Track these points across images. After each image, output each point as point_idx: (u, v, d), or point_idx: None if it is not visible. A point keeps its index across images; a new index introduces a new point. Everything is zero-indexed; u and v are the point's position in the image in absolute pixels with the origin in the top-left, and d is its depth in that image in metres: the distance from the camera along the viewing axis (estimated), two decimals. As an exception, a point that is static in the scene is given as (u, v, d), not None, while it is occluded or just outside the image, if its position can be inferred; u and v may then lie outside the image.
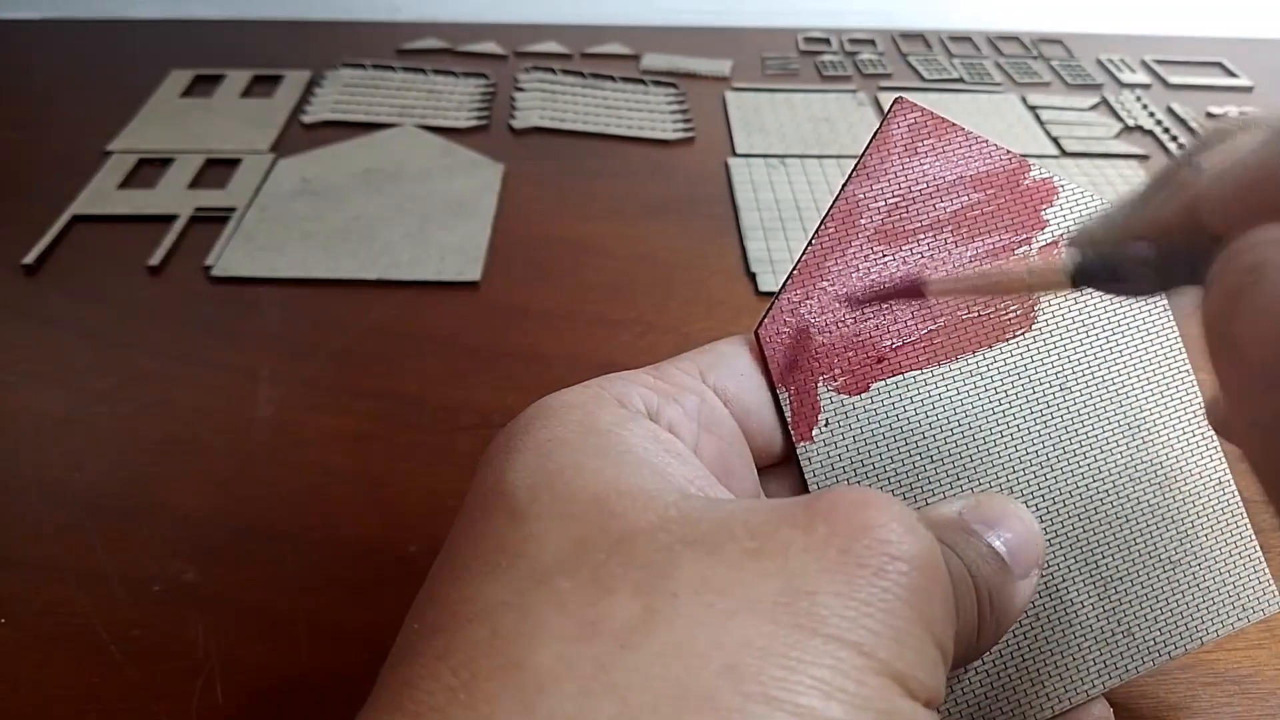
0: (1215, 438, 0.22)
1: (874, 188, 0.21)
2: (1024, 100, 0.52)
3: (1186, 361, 0.22)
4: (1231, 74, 0.56)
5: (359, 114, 0.49)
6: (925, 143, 0.22)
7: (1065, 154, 0.47)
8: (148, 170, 0.44)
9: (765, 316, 0.20)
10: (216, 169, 0.44)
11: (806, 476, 0.20)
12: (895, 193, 0.21)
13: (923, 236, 0.21)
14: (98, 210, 0.41)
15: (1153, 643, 0.21)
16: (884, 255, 0.21)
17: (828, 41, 0.58)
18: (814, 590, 0.13)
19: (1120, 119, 0.50)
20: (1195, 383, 0.22)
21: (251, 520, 0.28)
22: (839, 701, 0.13)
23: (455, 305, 0.37)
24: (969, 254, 0.21)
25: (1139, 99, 0.52)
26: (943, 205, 0.21)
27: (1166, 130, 0.49)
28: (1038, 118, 0.50)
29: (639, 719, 0.12)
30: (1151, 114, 0.51)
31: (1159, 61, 0.57)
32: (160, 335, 0.35)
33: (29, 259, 0.38)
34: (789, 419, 0.20)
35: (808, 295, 0.21)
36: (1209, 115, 0.51)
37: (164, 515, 0.28)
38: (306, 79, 0.52)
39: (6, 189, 0.43)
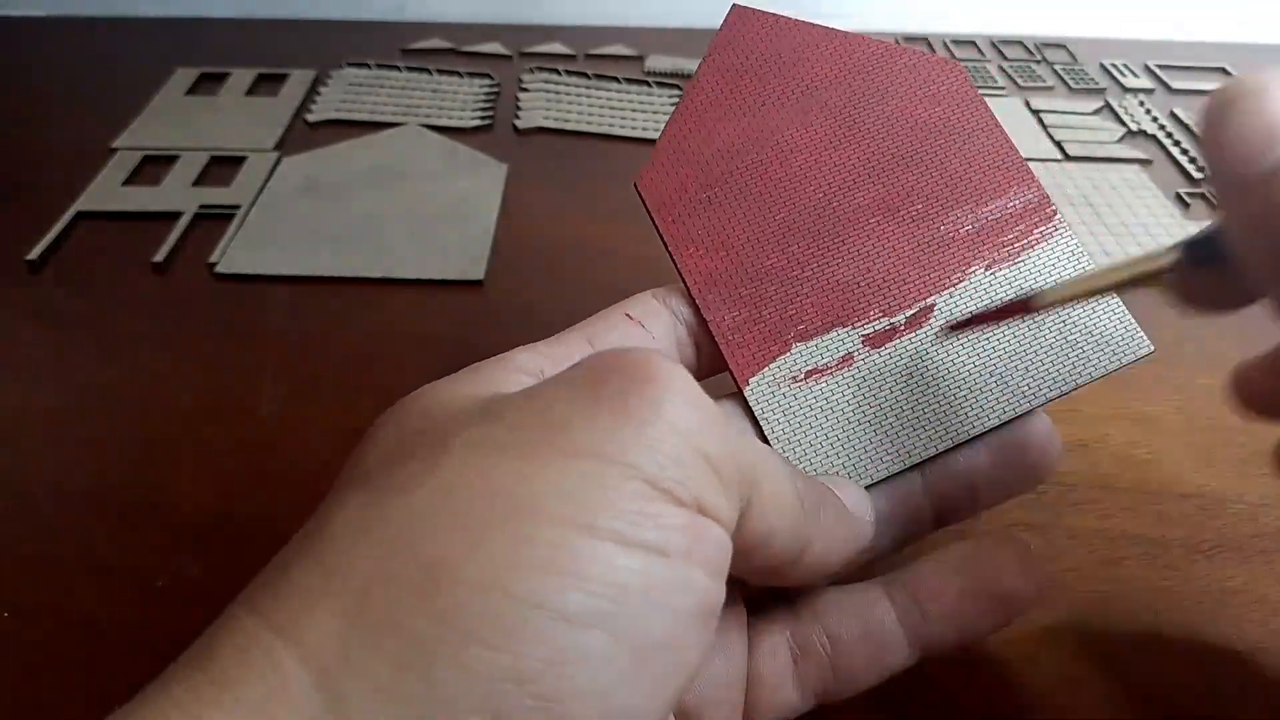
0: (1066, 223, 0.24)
1: (719, 65, 0.25)
2: (1027, 104, 0.52)
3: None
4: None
5: (363, 113, 0.49)
6: (758, 31, 0.25)
7: (1068, 158, 0.47)
8: (152, 167, 0.44)
9: (644, 169, 0.24)
10: (221, 167, 0.44)
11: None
12: (738, 68, 0.25)
13: (774, 109, 0.25)
14: (102, 207, 0.41)
15: (1025, 388, 0.22)
16: (743, 122, 0.24)
17: (831, 44, 0.58)
18: (566, 423, 0.15)
19: (1123, 123, 0.50)
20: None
21: (255, 517, 0.28)
22: (583, 505, 0.14)
23: (459, 304, 0.37)
24: (831, 104, 0.25)
25: (1142, 103, 0.52)
26: (789, 78, 0.25)
27: (1169, 135, 0.49)
28: (1041, 122, 0.50)
29: (396, 540, 0.14)
30: (1155, 118, 0.51)
31: (1162, 66, 0.57)
32: (164, 332, 0.35)
33: (33, 255, 0.38)
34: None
35: (682, 144, 0.24)
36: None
37: (168, 511, 0.28)
38: (311, 78, 0.52)
39: (11, 185, 0.43)
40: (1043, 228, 0.24)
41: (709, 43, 0.25)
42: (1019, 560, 0.21)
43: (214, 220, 0.40)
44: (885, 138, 0.25)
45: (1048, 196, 0.24)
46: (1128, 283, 0.19)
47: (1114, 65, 0.57)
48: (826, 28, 0.26)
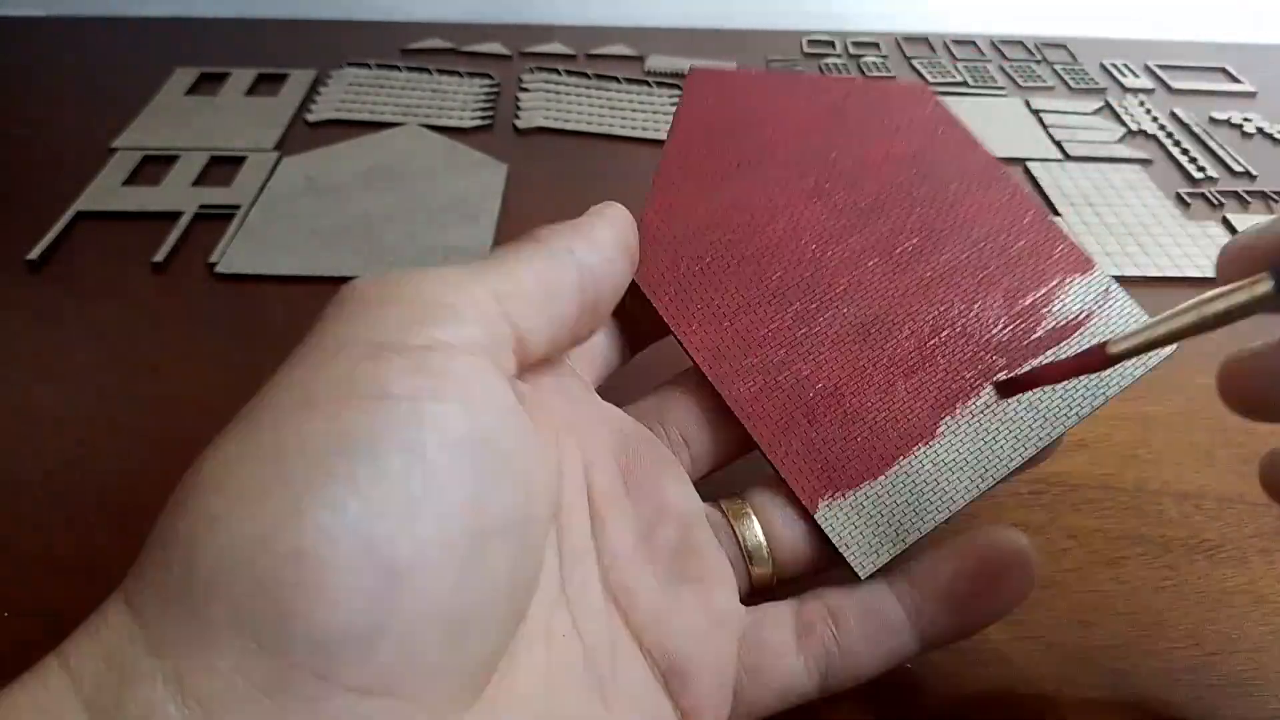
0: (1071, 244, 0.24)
1: (688, 134, 0.25)
2: (1028, 104, 0.52)
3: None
4: (1235, 79, 0.56)
5: (363, 113, 0.49)
6: (719, 92, 0.25)
7: (1069, 158, 0.47)
8: (152, 167, 0.44)
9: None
10: (221, 166, 0.44)
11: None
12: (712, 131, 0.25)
13: (751, 168, 0.24)
14: (102, 207, 0.41)
15: (1058, 408, 0.22)
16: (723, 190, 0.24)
17: (832, 44, 0.58)
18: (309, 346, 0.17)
19: (1123, 123, 0.50)
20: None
21: (255, 517, 0.28)
22: (452, 290, 0.17)
23: (459, 304, 0.37)
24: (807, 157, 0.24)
25: (1142, 103, 0.52)
26: (761, 134, 0.25)
27: (1170, 135, 0.49)
28: (1041, 121, 0.50)
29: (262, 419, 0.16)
30: (1155, 119, 0.51)
31: (1162, 66, 0.57)
32: (164, 332, 0.35)
33: (33, 255, 0.38)
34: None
35: (666, 220, 0.24)
36: (1212, 120, 0.51)
37: (167, 511, 0.28)
38: (311, 78, 0.52)
39: (11, 185, 0.43)
40: (1043, 236, 0.23)
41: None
42: (1011, 540, 0.21)
43: (214, 220, 0.40)
44: (865, 179, 0.24)
45: (1044, 209, 0.24)
46: (1216, 321, 0.17)
47: (1114, 65, 0.57)
48: (787, 74, 0.25)
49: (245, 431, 0.16)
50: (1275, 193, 0.44)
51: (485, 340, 0.17)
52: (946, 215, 0.24)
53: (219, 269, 0.37)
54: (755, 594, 0.22)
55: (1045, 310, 0.22)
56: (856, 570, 0.21)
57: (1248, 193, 0.44)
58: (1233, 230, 0.42)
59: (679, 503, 0.22)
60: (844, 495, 0.21)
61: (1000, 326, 0.22)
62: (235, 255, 0.38)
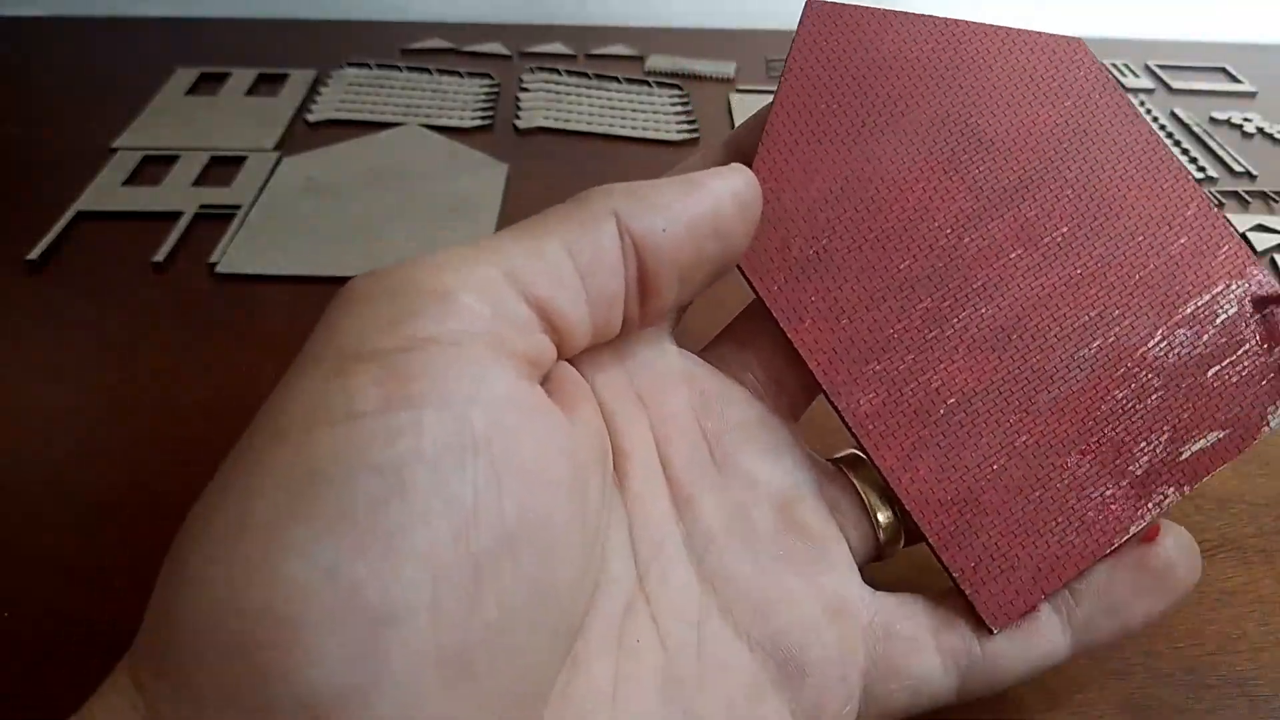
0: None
1: (805, 85, 0.21)
2: (1027, 104, 0.52)
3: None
4: (1235, 79, 0.56)
5: (364, 113, 0.49)
6: (843, 33, 0.21)
7: (1068, 158, 0.47)
8: (152, 167, 0.44)
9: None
10: (221, 167, 0.44)
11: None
12: (829, 86, 0.21)
13: (883, 129, 0.21)
14: (102, 207, 0.41)
15: (1244, 413, 0.19)
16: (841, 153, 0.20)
17: (832, 44, 0.58)
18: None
19: (1123, 123, 0.50)
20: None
21: (255, 517, 0.28)
22: (450, 273, 0.15)
23: (459, 304, 0.37)
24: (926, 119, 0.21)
25: (1142, 103, 0.52)
26: (884, 87, 0.21)
27: (1169, 135, 0.49)
28: (1041, 121, 0.50)
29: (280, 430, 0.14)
30: (1155, 118, 0.51)
31: (1162, 66, 0.57)
32: (164, 332, 0.35)
33: (33, 255, 0.38)
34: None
35: (777, 190, 0.20)
36: (1212, 120, 0.51)
37: (168, 512, 0.28)
38: (311, 78, 0.52)
39: (11, 185, 0.43)
40: (1208, 234, 0.20)
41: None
42: (1174, 534, 0.19)
43: (214, 220, 0.40)
44: (1010, 152, 0.20)
45: (1208, 200, 0.21)
46: None
47: (1114, 65, 0.57)
48: (923, 16, 0.21)
49: (223, 472, 0.15)
50: (1275, 193, 0.44)
51: (485, 326, 0.15)
52: (1100, 201, 0.20)
53: (219, 269, 0.37)
54: (887, 547, 0.20)
55: (1207, 322, 0.20)
56: (987, 622, 0.19)
57: (1248, 193, 0.44)
58: (1233, 230, 0.42)
59: (775, 471, 0.19)
60: (977, 533, 0.19)
61: (1157, 339, 0.19)
62: (235, 255, 0.38)
